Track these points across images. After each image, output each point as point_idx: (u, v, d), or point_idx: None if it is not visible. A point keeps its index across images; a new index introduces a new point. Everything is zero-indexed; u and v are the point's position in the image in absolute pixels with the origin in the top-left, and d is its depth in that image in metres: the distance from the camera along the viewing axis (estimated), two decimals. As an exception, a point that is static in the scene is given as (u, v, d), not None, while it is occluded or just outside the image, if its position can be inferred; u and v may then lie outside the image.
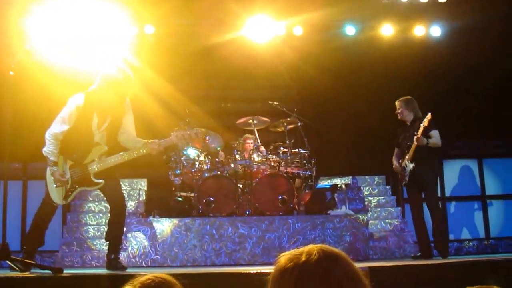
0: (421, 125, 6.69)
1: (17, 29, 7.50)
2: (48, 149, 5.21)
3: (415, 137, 6.70)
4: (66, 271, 4.72)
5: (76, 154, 5.29)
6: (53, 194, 5.30)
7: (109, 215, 5.59)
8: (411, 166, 6.86)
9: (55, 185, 5.25)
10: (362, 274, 1.69)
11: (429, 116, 6.67)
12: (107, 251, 5.52)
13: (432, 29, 9.63)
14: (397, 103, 7.19)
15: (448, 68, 9.43)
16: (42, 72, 7.76)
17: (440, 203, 7.51)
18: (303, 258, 1.65)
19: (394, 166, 7.20)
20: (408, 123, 7.13)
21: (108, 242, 5.52)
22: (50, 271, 4.47)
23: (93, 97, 5.30)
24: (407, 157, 6.90)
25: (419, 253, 6.95)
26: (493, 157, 9.85)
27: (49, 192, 5.31)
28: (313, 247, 1.68)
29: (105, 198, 5.88)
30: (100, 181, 5.31)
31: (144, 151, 5.35)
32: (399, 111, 7.15)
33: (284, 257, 1.69)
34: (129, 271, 5.38)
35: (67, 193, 5.31)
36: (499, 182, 9.71)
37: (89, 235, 8.20)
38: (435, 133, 6.87)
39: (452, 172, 9.69)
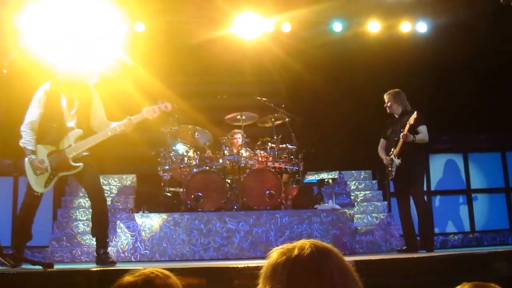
0: (408, 122, 6.71)
1: (11, 27, 7.48)
2: (25, 139, 5.34)
3: (401, 134, 6.72)
4: (56, 266, 4.75)
5: (51, 138, 5.40)
6: (33, 183, 5.38)
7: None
8: (398, 161, 6.87)
9: (35, 175, 5.34)
10: (353, 269, 1.73)
11: (415, 114, 6.68)
12: (95, 246, 5.58)
13: (418, 25, 9.71)
14: (385, 96, 7.20)
15: (434, 63, 9.51)
16: (35, 70, 7.78)
17: (425, 197, 7.56)
18: (296, 252, 1.67)
19: (384, 160, 7.15)
20: (397, 116, 7.14)
21: (95, 238, 5.59)
22: (40, 266, 4.49)
23: (59, 82, 5.57)
24: (394, 152, 6.93)
25: (405, 247, 6.97)
26: (478, 152, 9.94)
27: (30, 182, 5.39)
28: (305, 242, 1.70)
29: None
30: (79, 164, 5.41)
31: (118, 128, 5.54)
32: (388, 104, 7.15)
33: (276, 252, 1.71)
34: (119, 265, 5.43)
35: (47, 181, 5.39)
36: (483, 176, 9.82)
37: (79, 231, 8.23)
38: (423, 129, 6.87)
39: (437, 166, 9.79)
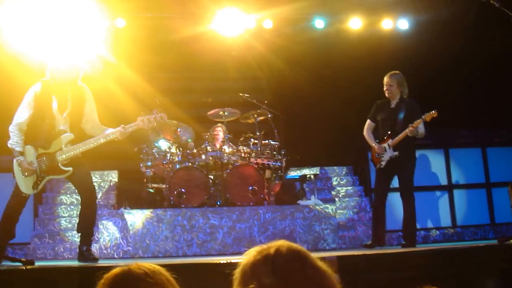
0: (421, 118, 6.51)
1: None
2: (13, 140, 5.26)
3: (409, 128, 6.49)
4: (38, 263, 4.73)
5: (41, 140, 5.30)
6: (21, 184, 5.30)
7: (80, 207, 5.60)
8: (394, 153, 6.65)
9: (23, 176, 5.26)
10: (328, 269, 1.74)
11: (434, 113, 6.52)
12: (79, 242, 5.54)
13: (400, 23, 9.77)
14: (388, 78, 6.82)
15: (416, 60, 9.56)
16: (12, 65, 7.71)
17: None
18: (272, 251, 1.69)
19: (374, 146, 6.82)
20: (392, 102, 6.86)
21: (80, 234, 5.53)
22: (20, 264, 4.47)
23: (49, 83, 5.40)
24: (389, 142, 6.68)
25: (370, 242, 6.75)
26: (459, 147, 10.02)
27: (18, 183, 5.32)
28: (277, 242, 1.73)
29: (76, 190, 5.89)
30: (68, 169, 5.33)
31: (111, 136, 5.43)
32: (389, 86, 6.80)
33: (251, 253, 1.72)
34: (101, 262, 5.41)
35: (35, 183, 5.31)
36: (464, 171, 9.90)
37: (62, 227, 8.17)
38: (421, 124, 6.65)
39: (418, 162, 9.82)
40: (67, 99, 5.40)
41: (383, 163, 6.74)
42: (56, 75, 5.38)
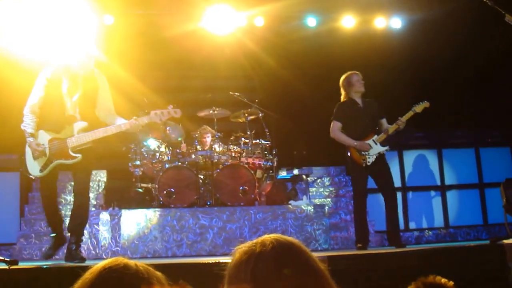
0: (412, 110, 6.50)
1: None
2: (25, 122, 5.31)
3: (400, 121, 6.46)
4: (22, 264, 4.64)
5: (52, 124, 5.33)
6: (30, 166, 5.36)
7: (68, 207, 5.58)
8: (384, 148, 6.53)
9: (33, 158, 5.32)
10: (318, 260, 1.69)
11: (426, 104, 6.52)
12: (68, 242, 5.46)
13: (393, 21, 9.73)
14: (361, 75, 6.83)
15: (408, 59, 9.54)
16: (4, 64, 7.66)
17: (400, 192, 7.38)
18: (257, 249, 1.65)
19: (356, 145, 6.55)
20: (358, 100, 6.74)
21: (70, 233, 5.47)
22: (4, 263, 4.38)
23: (59, 67, 5.45)
24: (374, 138, 6.55)
25: (360, 244, 6.44)
26: (452, 147, 10.00)
27: (27, 164, 5.38)
28: (267, 238, 1.68)
29: (67, 189, 5.88)
30: (77, 155, 5.30)
31: (123, 127, 5.40)
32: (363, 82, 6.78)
33: (239, 251, 1.69)
34: (88, 263, 5.32)
35: (43, 165, 5.33)
36: (455, 172, 9.88)
37: (49, 227, 8.04)
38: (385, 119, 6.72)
39: (411, 162, 9.82)
40: (77, 82, 5.41)
41: (370, 160, 6.55)
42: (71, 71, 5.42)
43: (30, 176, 5.42)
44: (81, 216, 5.44)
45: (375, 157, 6.53)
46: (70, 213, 5.66)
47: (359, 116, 6.69)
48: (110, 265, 1.75)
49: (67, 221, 5.61)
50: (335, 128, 6.73)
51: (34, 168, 5.36)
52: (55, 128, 5.33)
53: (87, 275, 1.74)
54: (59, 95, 5.33)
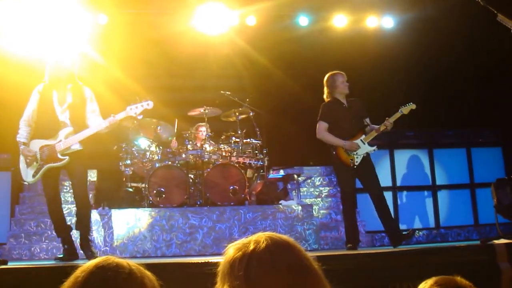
0: (400, 112, 6.47)
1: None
2: (20, 134, 5.72)
3: (387, 122, 6.41)
4: (12, 264, 4.61)
5: (45, 131, 5.65)
6: (24, 173, 5.71)
7: (65, 205, 5.79)
8: (372, 148, 6.47)
9: (26, 165, 5.66)
10: (312, 259, 1.70)
11: (413, 106, 6.50)
12: (79, 240, 5.76)
13: (384, 20, 9.74)
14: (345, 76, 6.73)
15: (400, 58, 9.55)
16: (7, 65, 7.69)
17: (391, 192, 7.33)
18: (251, 247, 1.65)
19: (345, 144, 6.46)
20: (343, 100, 6.68)
21: (79, 232, 5.77)
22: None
23: (50, 82, 5.77)
24: (362, 138, 6.48)
25: (350, 244, 6.36)
26: (443, 147, 10.01)
27: (21, 172, 5.73)
28: (260, 235, 1.69)
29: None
30: (64, 157, 5.59)
31: (103, 125, 5.67)
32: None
33: (232, 248, 1.69)
34: (77, 262, 5.31)
35: (35, 171, 5.66)
36: (446, 171, 9.90)
37: (39, 228, 7.99)
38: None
39: (402, 162, 9.82)
40: (65, 92, 5.72)
41: (358, 161, 6.47)
42: (51, 71, 5.74)
43: (25, 182, 5.83)
44: (86, 216, 5.78)
45: (362, 157, 6.47)
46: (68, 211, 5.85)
47: (345, 116, 6.62)
48: (103, 264, 1.75)
49: (67, 220, 5.97)
50: (322, 128, 6.65)
51: (27, 175, 5.69)
52: (47, 135, 5.65)
53: (79, 273, 1.73)
54: (49, 104, 5.66)
